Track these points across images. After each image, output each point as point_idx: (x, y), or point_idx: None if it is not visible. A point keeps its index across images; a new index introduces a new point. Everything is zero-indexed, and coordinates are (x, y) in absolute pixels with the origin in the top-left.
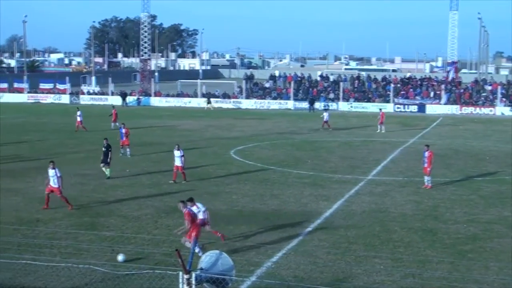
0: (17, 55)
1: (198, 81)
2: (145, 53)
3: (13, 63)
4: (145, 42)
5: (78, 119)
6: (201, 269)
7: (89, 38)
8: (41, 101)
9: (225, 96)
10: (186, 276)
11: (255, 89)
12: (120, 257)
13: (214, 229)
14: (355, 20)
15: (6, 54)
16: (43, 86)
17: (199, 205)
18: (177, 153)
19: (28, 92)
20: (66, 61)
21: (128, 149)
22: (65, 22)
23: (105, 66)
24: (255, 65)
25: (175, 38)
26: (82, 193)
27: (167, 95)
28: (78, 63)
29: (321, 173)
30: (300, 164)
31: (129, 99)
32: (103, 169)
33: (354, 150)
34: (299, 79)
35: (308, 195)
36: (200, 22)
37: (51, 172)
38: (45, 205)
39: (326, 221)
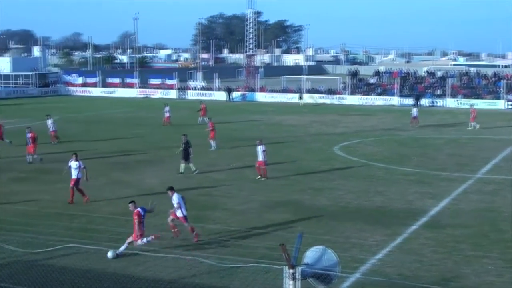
0: (129, 51)
1: (303, 76)
2: (250, 49)
3: (125, 59)
4: (251, 38)
5: (166, 114)
6: (306, 264)
7: (196, 35)
8: (150, 96)
9: (330, 92)
10: (291, 271)
11: (360, 85)
12: (110, 254)
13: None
14: (465, 18)
15: (119, 51)
16: (152, 81)
17: (175, 197)
18: (259, 148)
19: (139, 88)
20: (174, 57)
21: (212, 142)
22: (173, 20)
23: (211, 62)
24: (359, 61)
25: (280, 34)
26: (188, 186)
27: (272, 91)
28: (186, 59)
29: (427, 170)
30: (405, 161)
31: (234, 94)
32: (181, 165)
33: (462, 148)
34: (404, 75)
35: (414, 192)
36: (305, 18)
37: (74, 164)
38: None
39: (432, 219)
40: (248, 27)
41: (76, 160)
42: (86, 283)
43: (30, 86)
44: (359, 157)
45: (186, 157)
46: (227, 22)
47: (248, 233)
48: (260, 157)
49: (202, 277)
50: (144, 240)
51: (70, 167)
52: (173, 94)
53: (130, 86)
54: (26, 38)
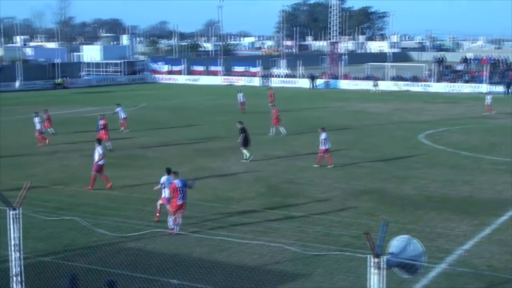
0: (213, 39)
1: (387, 63)
2: (334, 36)
3: (209, 47)
4: (334, 25)
5: (241, 99)
6: (391, 253)
7: (279, 22)
8: (234, 83)
9: (415, 79)
10: (376, 260)
11: (446, 72)
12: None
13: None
14: None
15: (204, 38)
16: (236, 69)
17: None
18: (322, 135)
19: (223, 75)
20: (258, 44)
21: (280, 128)
22: (257, 7)
23: (295, 49)
24: (446, 47)
25: (364, 21)
26: (273, 174)
27: (355, 78)
28: (269, 46)
29: None
30: (494, 150)
31: (318, 81)
32: (243, 151)
33: None
34: (494, 61)
35: (503, 182)
36: (390, 4)
37: (99, 149)
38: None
39: None
40: (331, 14)
41: (99, 144)
42: (172, 267)
43: (119, 74)
44: (445, 146)
45: (245, 143)
46: (311, 10)
47: (331, 221)
48: (322, 145)
49: (285, 264)
50: (170, 221)
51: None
52: (256, 81)
53: (214, 73)
54: (115, 27)
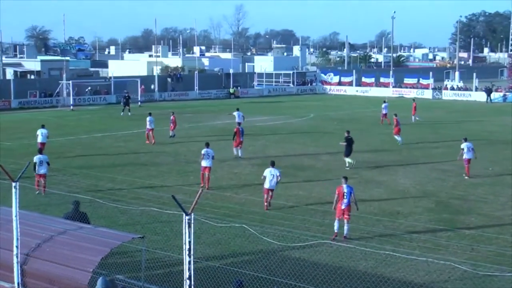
0: (384, 50)
1: None
2: None
3: (380, 58)
4: None
5: (383, 111)
6: None
7: (454, 33)
8: (404, 95)
9: None
10: None
11: None
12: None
13: None
14: None
15: (375, 50)
16: (407, 81)
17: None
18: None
19: (393, 87)
20: (430, 56)
21: (398, 138)
22: (431, 18)
23: (470, 61)
24: None
25: None
26: (441, 189)
27: None
28: (442, 58)
29: None
30: None
31: (494, 95)
32: (346, 160)
33: None
34: None
35: None
36: None
37: (208, 151)
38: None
39: None
40: None
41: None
42: (336, 280)
43: (290, 84)
44: None
45: (348, 153)
46: (489, 20)
47: (506, 241)
48: (465, 155)
49: (454, 283)
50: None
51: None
52: (427, 94)
53: (385, 85)
54: (288, 38)
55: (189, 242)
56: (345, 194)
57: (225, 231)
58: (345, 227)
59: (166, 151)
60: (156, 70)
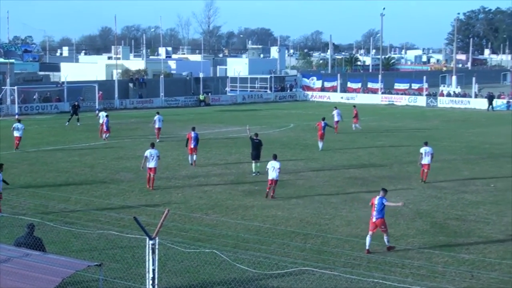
0: (373, 52)
1: None
2: None
3: (368, 60)
4: None
5: (336, 119)
6: None
7: (451, 33)
8: (395, 103)
9: None
10: None
11: None
12: None
13: None
14: None
15: (362, 51)
16: (397, 86)
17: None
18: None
19: (382, 93)
20: (424, 58)
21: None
22: (425, 15)
23: (469, 64)
24: None
25: None
26: (437, 209)
27: None
28: (438, 60)
29: None
30: None
31: (497, 102)
32: (253, 165)
33: None
34: None
35: None
36: None
37: (151, 152)
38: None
39: None
40: None
41: (153, 148)
42: None
43: (267, 90)
44: None
45: (254, 157)
46: (490, 18)
47: (510, 267)
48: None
49: None
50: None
51: None
52: (421, 101)
53: (373, 91)
54: (264, 38)
55: (153, 270)
56: (375, 205)
57: (194, 258)
58: (385, 238)
59: (127, 166)
60: (116, 74)
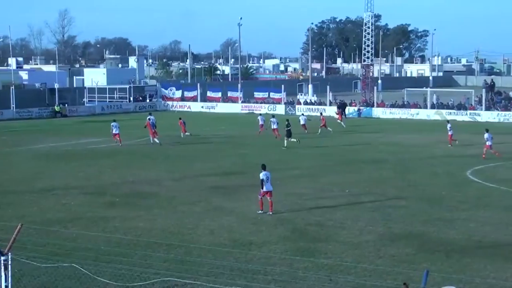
0: (232, 61)
1: (428, 89)
2: (368, 58)
3: (227, 69)
4: (368, 46)
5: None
6: None
7: (306, 42)
8: (255, 111)
9: (460, 107)
10: None
11: (498, 99)
12: None
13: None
14: None
15: (221, 60)
16: (257, 95)
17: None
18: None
19: (242, 102)
20: (282, 67)
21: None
22: (281, 25)
23: (323, 73)
24: (497, 71)
25: (402, 41)
26: (297, 215)
27: (392, 106)
28: (295, 69)
29: None
30: None
31: (349, 110)
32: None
33: None
34: None
35: None
36: (431, 22)
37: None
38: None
39: None
40: (365, 32)
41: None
42: None
43: (126, 100)
44: (498, 183)
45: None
46: (341, 27)
47: (365, 270)
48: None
49: None
50: None
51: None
52: (280, 109)
53: (233, 100)
54: (122, 48)
55: (6, 287)
56: None
57: (52, 273)
58: None
59: None
60: None
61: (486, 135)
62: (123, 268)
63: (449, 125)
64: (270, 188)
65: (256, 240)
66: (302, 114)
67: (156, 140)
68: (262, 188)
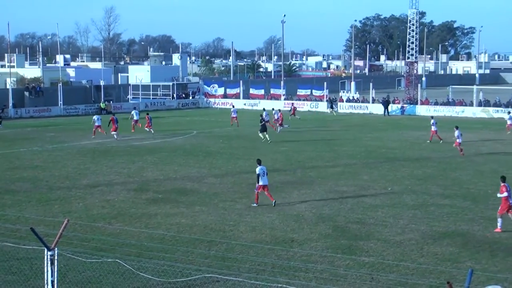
0: (275, 58)
1: (474, 87)
2: (412, 55)
3: (270, 67)
4: (412, 43)
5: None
6: None
7: (349, 39)
8: (297, 108)
9: (509, 104)
10: None
11: None
12: None
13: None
14: None
15: (264, 58)
16: (300, 92)
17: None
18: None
19: (285, 99)
20: (324, 64)
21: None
22: (325, 23)
23: (366, 70)
24: None
25: (447, 38)
26: (338, 213)
27: (436, 103)
28: (337, 66)
29: None
30: None
31: (392, 107)
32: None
33: None
34: None
35: None
36: (478, 18)
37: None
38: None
39: None
40: (410, 29)
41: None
42: None
43: (169, 97)
44: None
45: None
46: (385, 24)
47: (407, 268)
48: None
49: None
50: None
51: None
52: (322, 106)
53: (276, 97)
54: (166, 45)
55: (52, 281)
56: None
57: (96, 268)
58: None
59: (24, 176)
60: (10, 83)
61: (456, 132)
62: (165, 264)
63: (432, 121)
64: (266, 182)
65: (298, 238)
66: (273, 109)
67: (114, 135)
68: (258, 182)
